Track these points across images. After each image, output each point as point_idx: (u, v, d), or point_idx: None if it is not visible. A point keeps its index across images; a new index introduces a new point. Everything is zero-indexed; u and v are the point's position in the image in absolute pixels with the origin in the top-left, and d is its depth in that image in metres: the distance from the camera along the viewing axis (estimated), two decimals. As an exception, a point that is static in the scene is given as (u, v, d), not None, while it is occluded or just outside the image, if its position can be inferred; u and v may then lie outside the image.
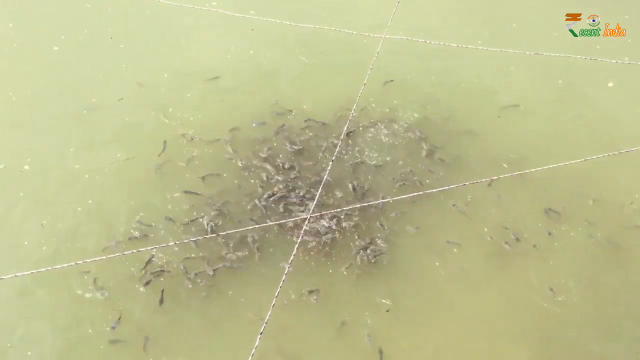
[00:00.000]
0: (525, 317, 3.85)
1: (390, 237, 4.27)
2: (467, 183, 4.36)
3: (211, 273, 4.00)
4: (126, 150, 4.75)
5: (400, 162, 4.78)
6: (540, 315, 3.86)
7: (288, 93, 5.25)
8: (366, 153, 4.82)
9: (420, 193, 4.37)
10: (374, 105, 5.18)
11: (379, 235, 4.29)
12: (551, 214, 4.38)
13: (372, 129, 5.00)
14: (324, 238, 4.22)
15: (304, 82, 5.34)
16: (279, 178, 4.59)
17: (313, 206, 4.17)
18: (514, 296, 3.95)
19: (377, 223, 4.37)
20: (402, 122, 5.08)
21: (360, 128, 5.00)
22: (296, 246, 3.90)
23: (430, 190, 4.34)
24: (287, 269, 3.70)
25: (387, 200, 4.33)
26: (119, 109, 5.08)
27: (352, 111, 4.57)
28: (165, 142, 4.81)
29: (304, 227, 4.06)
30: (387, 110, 5.18)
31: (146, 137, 4.87)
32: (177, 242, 4.00)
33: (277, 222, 4.20)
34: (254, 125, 4.96)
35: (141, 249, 3.93)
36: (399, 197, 4.34)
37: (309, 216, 4.15)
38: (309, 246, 4.17)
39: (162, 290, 3.90)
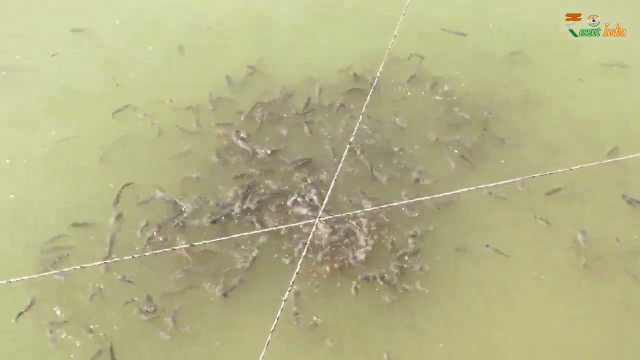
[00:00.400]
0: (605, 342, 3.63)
1: (427, 250, 3.96)
2: (536, 175, 3.85)
3: (171, 324, 3.63)
4: (64, 127, 4.43)
5: (444, 145, 4.48)
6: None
7: (286, 48, 4.95)
8: (395, 134, 4.51)
9: (472, 189, 3.82)
10: (406, 66, 4.85)
11: (411, 246, 3.97)
12: (637, 206, 4.10)
13: (404, 100, 4.69)
14: (335, 252, 3.93)
15: (308, 32, 5.06)
16: (263, 169, 4.29)
17: (322, 208, 3.73)
18: (590, 315, 3.71)
19: (410, 231, 4.02)
20: (447, 89, 4.77)
21: (388, 99, 4.68)
22: (299, 262, 3.38)
23: (484, 185, 3.87)
24: (286, 294, 3.24)
25: (425, 198, 3.93)
26: (52, 68, 4.77)
27: (377, 74, 4.08)
28: (120, 110, 4.47)
29: (310, 236, 3.63)
30: (426, 72, 4.85)
31: (91, 108, 4.58)
32: (135, 256, 3.50)
33: (264, 230, 3.87)
34: (235, 91, 4.70)
35: (85, 264, 3.50)
36: (441, 195, 3.88)
37: (316, 221, 3.72)
38: (314, 265, 3.87)
39: (111, 349, 3.53)
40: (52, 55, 4.78)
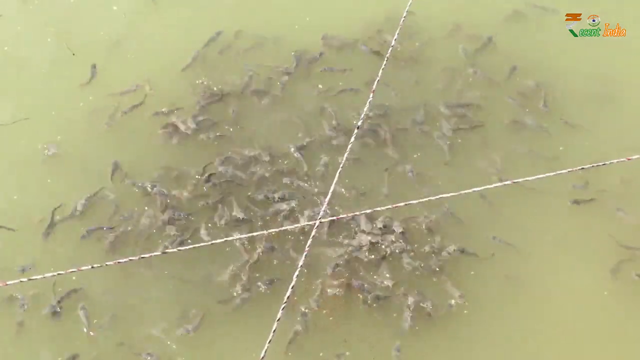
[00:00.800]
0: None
1: (458, 261, 3.81)
2: (585, 166, 3.54)
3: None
4: (10, 107, 4.37)
5: (472, 129, 4.33)
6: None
7: (282, 11, 4.86)
8: (412, 116, 4.39)
9: (507, 182, 3.61)
10: (426, 33, 4.73)
11: (444, 256, 3.82)
12: None
13: (426, 73, 4.58)
14: (342, 264, 3.82)
15: None
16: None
17: (324, 206, 3.56)
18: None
19: (437, 238, 3.88)
20: (475, 63, 4.60)
21: (406, 72, 4.57)
22: (295, 274, 3.07)
23: (546, 174, 3.49)
24: (279, 312, 2.96)
25: (448, 195, 3.53)
26: None
27: (392, 42, 3.81)
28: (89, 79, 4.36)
29: (309, 241, 3.29)
30: (452, 41, 4.72)
31: (42, 83, 4.51)
32: (94, 266, 3.21)
33: (251, 235, 3.74)
34: (217, 63, 4.58)
35: (23, 278, 3.27)
36: (469, 190, 3.54)
37: (317, 222, 3.49)
38: (317, 285, 3.73)
39: None
40: (-6, 18, 4.42)
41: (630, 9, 4.99)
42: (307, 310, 3.60)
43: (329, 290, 3.71)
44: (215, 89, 4.41)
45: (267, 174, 4.09)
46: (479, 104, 4.49)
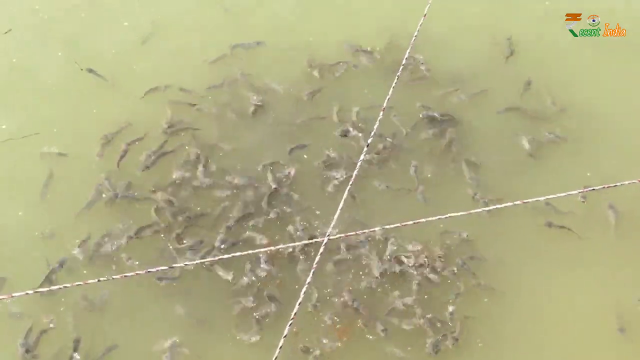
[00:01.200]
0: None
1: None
2: (596, 187, 3.57)
3: None
4: (17, 119, 4.38)
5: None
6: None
7: (286, 26, 4.87)
8: (419, 139, 4.38)
9: (526, 201, 3.48)
10: (439, 55, 4.74)
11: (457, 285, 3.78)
12: None
13: (437, 88, 4.59)
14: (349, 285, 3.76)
15: (315, 6, 4.99)
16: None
17: (332, 224, 3.50)
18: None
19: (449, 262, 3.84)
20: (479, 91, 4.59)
21: (417, 93, 4.57)
22: (302, 290, 3.11)
23: (557, 195, 3.48)
24: (285, 333, 2.94)
25: (456, 214, 3.50)
26: (4, 47, 4.72)
27: (403, 61, 3.86)
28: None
29: (317, 258, 3.33)
30: (463, 61, 4.73)
31: (49, 96, 4.52)
32: (102, 279, 3.20)
33: (258, 251, 3.70)
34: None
35: (29, 291, 3.12)
36: (487, 208, 3.78)
37: (325, 240, 3.46)
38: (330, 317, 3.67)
39: None
40: (5, 33, 4.75)
41: (630, 9, 5.02)
42: (312, 347, 3.58)
43: (336, 318, 3.69)
44: (219, 106, 4.41)
45: (271, 193, 4.05)
46: (487, 120, 4.43)
